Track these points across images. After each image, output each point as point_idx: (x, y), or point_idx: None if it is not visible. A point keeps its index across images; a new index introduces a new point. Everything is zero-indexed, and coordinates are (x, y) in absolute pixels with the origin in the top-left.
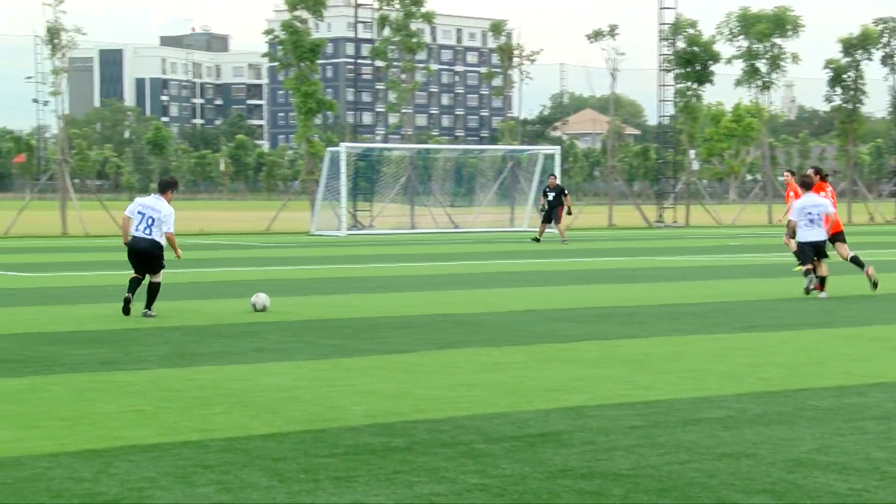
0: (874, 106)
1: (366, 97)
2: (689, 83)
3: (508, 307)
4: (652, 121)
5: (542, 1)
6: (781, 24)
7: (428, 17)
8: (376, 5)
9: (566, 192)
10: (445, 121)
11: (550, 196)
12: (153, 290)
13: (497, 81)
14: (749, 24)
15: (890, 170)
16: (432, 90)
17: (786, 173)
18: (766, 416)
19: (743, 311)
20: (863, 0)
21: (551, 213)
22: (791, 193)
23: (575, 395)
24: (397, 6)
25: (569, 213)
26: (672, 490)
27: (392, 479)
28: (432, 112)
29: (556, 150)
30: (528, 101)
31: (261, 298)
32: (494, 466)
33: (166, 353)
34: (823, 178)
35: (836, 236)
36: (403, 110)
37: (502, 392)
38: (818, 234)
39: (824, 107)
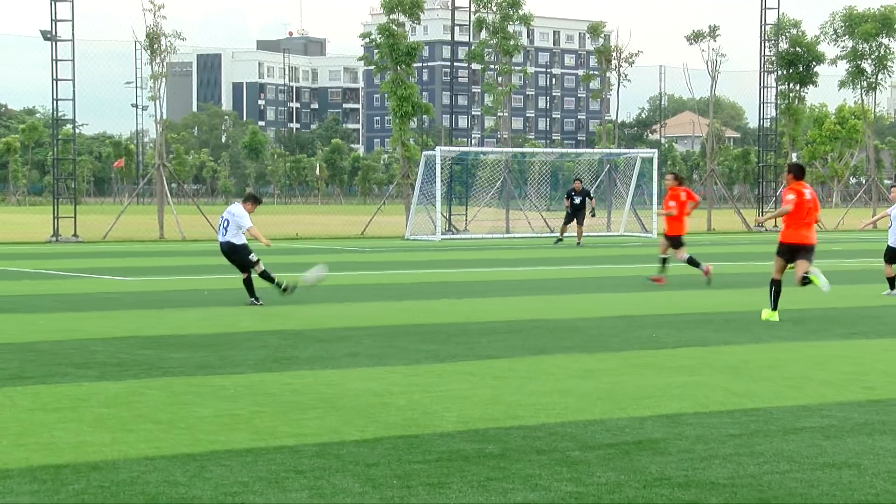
0: None
1: (462, 100)
2: (791, 85)
3: (603, 313)
4: (753, 123)
5: (641, 2)
6: (888, 23)
7: (525, 20)
8: (473, 8)
9: (591, 195)
10: (541, 124)
11: (576, 200)
12: (246, 284)
13: (595, 84)
14: (854, 24)
15: None
16: (528, 93)
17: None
18: (870, 425)
19: (844, 318)
20: None
21: (575, 216)
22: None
23: (671, 403)
24: (494, 9)
25: (592, 214)
26: (771, 500)
27: (485, 486)
28: (528, 115)
29: (653, 153)
30: (626, 104)
31: (314, 272)
32: (589, 474)
33: (262, 358)
34: (680, 182)
35: (677, 240)
36: (499, 113)
37: (597, 399)
38: None
39: None
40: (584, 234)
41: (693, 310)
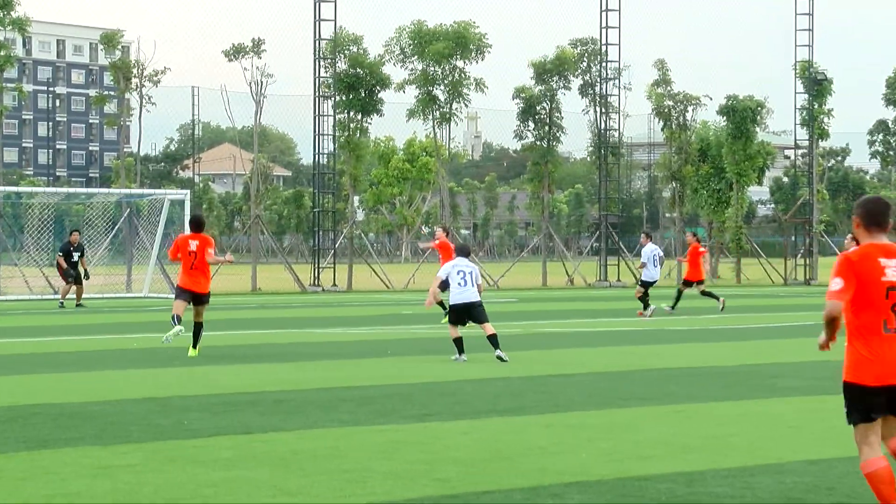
0: (572, 145)
1: None
2: (352, 113)
3: (122, 394)
4: (307, 159)
5: (168, 7)
6: (463, 43)
7: (20, 25)
8: None
9: (84, 252)
10: (42, 156)
11: (76, 256)
12: None
13: (111, 108)
14: (425, 43)
15: (591, 222)
16: (25, 117)
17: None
18: None
19: (416, 396)
20: (560, 18)
21: (79, 275)
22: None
23: None
24: None
25: (86, 277)
26: None
27: None
28: (25, 145)
29: (184, 194)
30: (152, 134)
31: None
32: None
33: None
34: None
35: None
36: None
37: None
38: (472, 294)
39: (515, 145)
40: (96, 296)
41: (232, 389)
